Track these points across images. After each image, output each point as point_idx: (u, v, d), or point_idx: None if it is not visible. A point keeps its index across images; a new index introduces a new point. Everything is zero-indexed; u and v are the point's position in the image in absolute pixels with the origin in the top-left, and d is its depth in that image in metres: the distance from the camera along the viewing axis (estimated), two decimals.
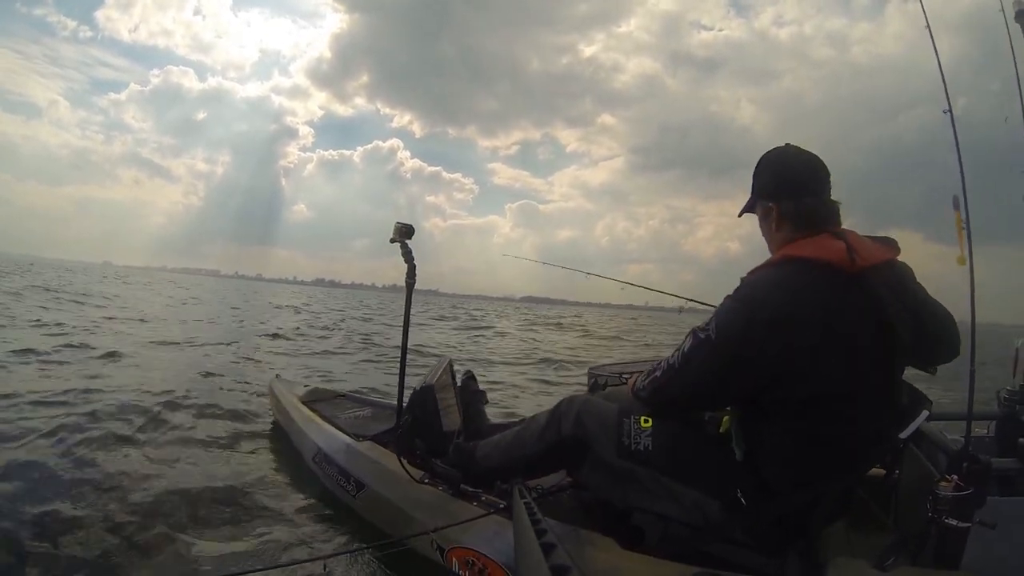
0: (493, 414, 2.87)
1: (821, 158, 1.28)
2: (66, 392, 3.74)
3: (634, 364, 2.18)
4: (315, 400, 2.93)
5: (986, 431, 1.62)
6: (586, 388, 2.12)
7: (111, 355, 5.32)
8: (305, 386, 3.29)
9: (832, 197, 1.27)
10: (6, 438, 2.73)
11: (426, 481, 1.72)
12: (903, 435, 1.21)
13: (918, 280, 1.27)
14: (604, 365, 2.28)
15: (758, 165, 1.35)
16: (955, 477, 1.10)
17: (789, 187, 1.27)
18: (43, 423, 3.01)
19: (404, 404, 1.91)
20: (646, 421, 1.35)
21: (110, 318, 9.12)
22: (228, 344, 7.46)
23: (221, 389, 4.46)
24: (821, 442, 1.17)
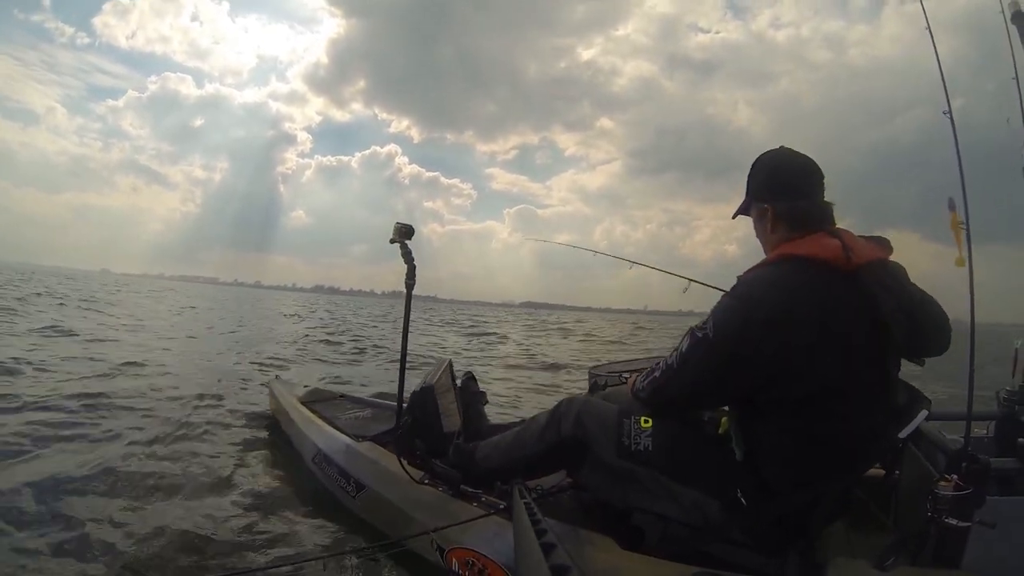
0: (494, 415, 2.88)
1: (817, 160, 1.29)
2: (75, 396, 3.79)
3: (634, 363, 2.18)
4: (315, 401, 2.93)
5: (986, 431, 1.63)
6: (586, 389, 2.13)
7: (130, 364, 5.38)
8: (305, 387, 3.29)
9: (827, 198, 1.28)
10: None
11: (426, 482, 1.72)
12: (902, 435, 1.21)
13: (913, 279, 1.28)
14: (604, 365, 2.29)
15: (753, 167, 1.36)
16: (955, 477, 1.10)
17: (784, 189, 1.28)
18: (58, 425, 3.05)
19: (404, 405, 1.91)
20: (646, 421, 1.35)
21: (127, 329, 9.06)
22: (246, 351, 7.52)
23: (242, 389, 4.52)
24: (819, 441, 1.17)
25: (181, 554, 1.79)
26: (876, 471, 1.39)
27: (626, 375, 1.90)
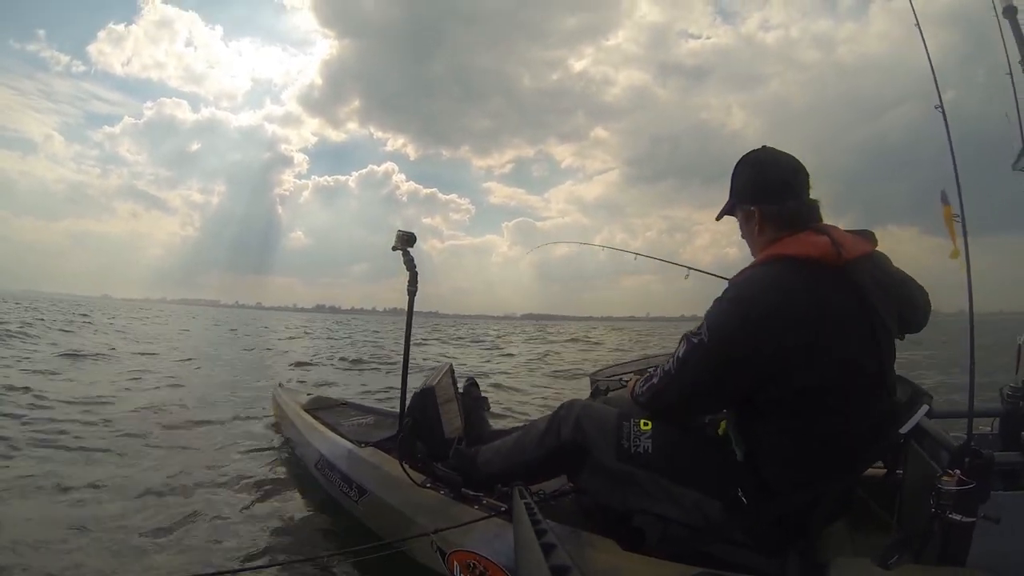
0: (495, 420, 2.88)
1: (811, 159, 1.29)
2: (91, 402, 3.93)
3: (635, 363, 2.17)
4: (318, 408, 2.93)
5: (990, 428, 1.61)
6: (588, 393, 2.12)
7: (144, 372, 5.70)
8: (308, 394, 3.30)
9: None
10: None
11: (428, 485, 1.71)
12: (903, 430, 1.20)
13: (914, 274, 1.28)
14: (605, 368, 2.28)
15: (736, 168, 1.36)
16: (958, 472, 1.09)
17: (770, 191, 1.28)
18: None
19: (406, 408, 1.91)
20: (646, 424, 1.35)
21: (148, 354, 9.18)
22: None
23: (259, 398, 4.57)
24: (819, 440, 1.16)
25: (184, 555, 1.80)
26: (877, 469, 1.38)
27: (626, 378, 1.90)
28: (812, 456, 1.17)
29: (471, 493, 1.63)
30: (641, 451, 1.32)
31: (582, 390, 2.19)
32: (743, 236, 1.36)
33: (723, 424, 1.38)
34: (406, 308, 1.87)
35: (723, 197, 1.39)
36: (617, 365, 2.29)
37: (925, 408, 1.24)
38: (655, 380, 1.32)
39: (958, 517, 1.08)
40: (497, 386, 6.38)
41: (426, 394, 1.88)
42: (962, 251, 1.22)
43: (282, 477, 2.69)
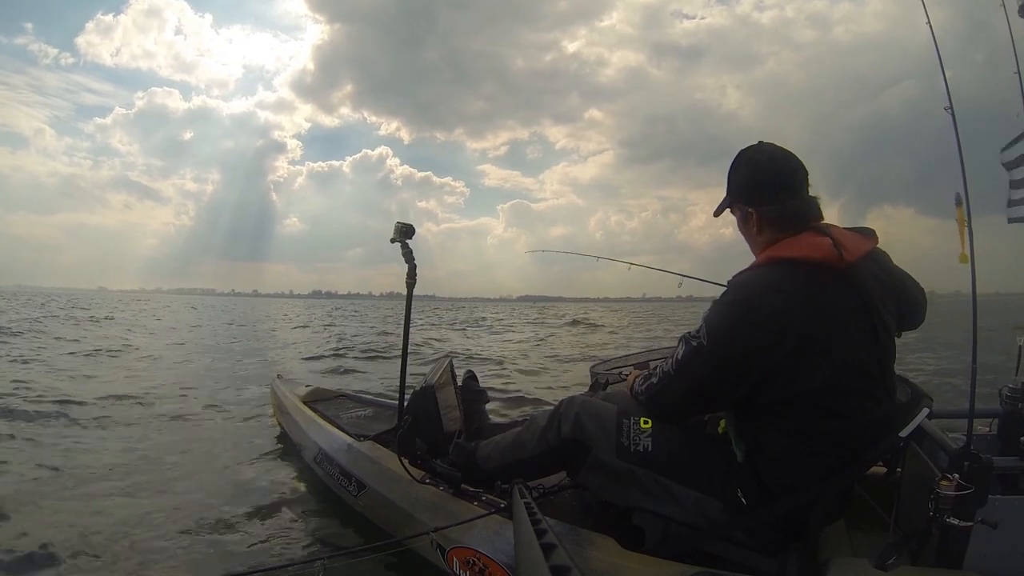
0: (494, 413, 2.88)
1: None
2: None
3: (636, 356, 2.18)
4: (316, 400, 2.93)
5: (988, 429, 1.61)
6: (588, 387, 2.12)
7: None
8: (307, 386, 3.29)
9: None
10: None
11: (427, 481, 1.72)
12: (903, 433, 1.20)
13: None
14: (605, 361, 2.28)
15: (733, 165, 1.33)
16: (956, 476, 1.09)
17: (767, 192, 1.26)
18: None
19: (405, 404, 1.91)
20: (645, 422, 1.35)
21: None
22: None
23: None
24: (819, 441, 1.16)
25: (182, 553, 1.81)
26: (877, 469, 1.38)
27: (627, 372, 1.90)
28: (812, 458, 1.18)
29: (470, 490, 1.63)
30: (641, 449, 1.32)
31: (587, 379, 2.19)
32: (742, 233, 1.34)
33: (723, 423, 1.38)
34: (402, 293, 1.87)
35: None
36: (618, 358, 2.29)
37: (925, 411, 1.24)
38: (654, 380, 1.32)
39: (956, 521, 1.08)
40: (520, 371, 6.45)
41: (426, 392, 1.88)
42: (969, 255, 1.21)
43: (280, 470, 2.70)
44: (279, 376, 3.58)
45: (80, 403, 4.12)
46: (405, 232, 1.85)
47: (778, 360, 1.12)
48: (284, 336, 13.37)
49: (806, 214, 1.24)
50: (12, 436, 3.10)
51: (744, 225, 1.32)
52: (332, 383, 4.91)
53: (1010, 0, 1.55)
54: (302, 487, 2.41)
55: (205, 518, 2.07)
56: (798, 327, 1.10)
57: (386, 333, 12.41)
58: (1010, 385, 1.59)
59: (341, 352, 8.87)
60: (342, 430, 2.32)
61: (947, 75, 1.29)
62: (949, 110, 1.25)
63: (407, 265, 1.86)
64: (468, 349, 9.62)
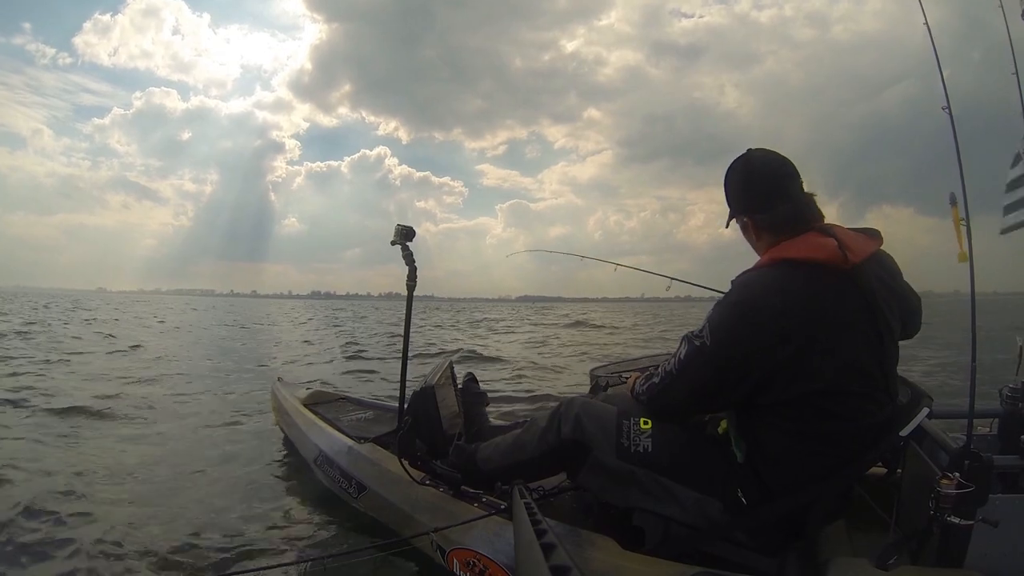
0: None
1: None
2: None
3: (635, 361, 2.18)
4: (316, 403, 2.93)
5: (989, 429, 1.61)
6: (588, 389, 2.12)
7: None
8: (307, 389, 3.29)
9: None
10: None
11: (427, 483, 1.72)
12: (903, 433, 1.20)
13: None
14: (605, 365, 2.28)
15: (725, 179, 1.35)
16: (957, 475, 1.09)
17: (758, 200, 1.27)
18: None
19: (405, 406, 1.91)
20: (645, 423, 1.35)
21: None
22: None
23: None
24: (820, 441, 1.16)
25: (182, 553, 1.81)
26: (877, 469, 1.38)
27: (626, 375, 1.90)
28: (812, 458, 1.18)
29: (471, 491, 1.63)
30: (641, 450, 1.32)
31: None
32: (746, 240, 1.35)
33: (723, 424, 1.38)
34: (401, 294, 1.87)
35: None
36: (619, 362, 2.29)
37: (926, 411, 1.24)
38: (656, 380, 1.33)
39: (956, 520, 1.08)
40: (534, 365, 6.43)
41: (426, 393, 1.88)
42: (968, 254, 1.21)
43: (281, 472, 2.70)
44: (280, 379, 3.58)
45: (81, 406, 4.13)
46: (405, 234, 1.85)
47: (779, 361, 1.12)
48: (292, 336, 13.34)
49: (801, 215, 1.24)
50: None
51: (744, 234, 1.34)
52: (360, 387, 4.91)
53: (1009, 0, 1.56)
54: (302, 489, 2.40)
55: (205, 518, 2.07)
56: (799, 328, 1.11)
57: (397, 335, 12.44)
58: (1010, 385, 1.59)
59: (360, 353, 8.86)
60: (342, 432, 2.32)
61: (945, 74, 1.29)
62: (946, 109, 1.26)
63: (407, 268, 1.86)
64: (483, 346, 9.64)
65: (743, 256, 1.33)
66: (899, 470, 1.43)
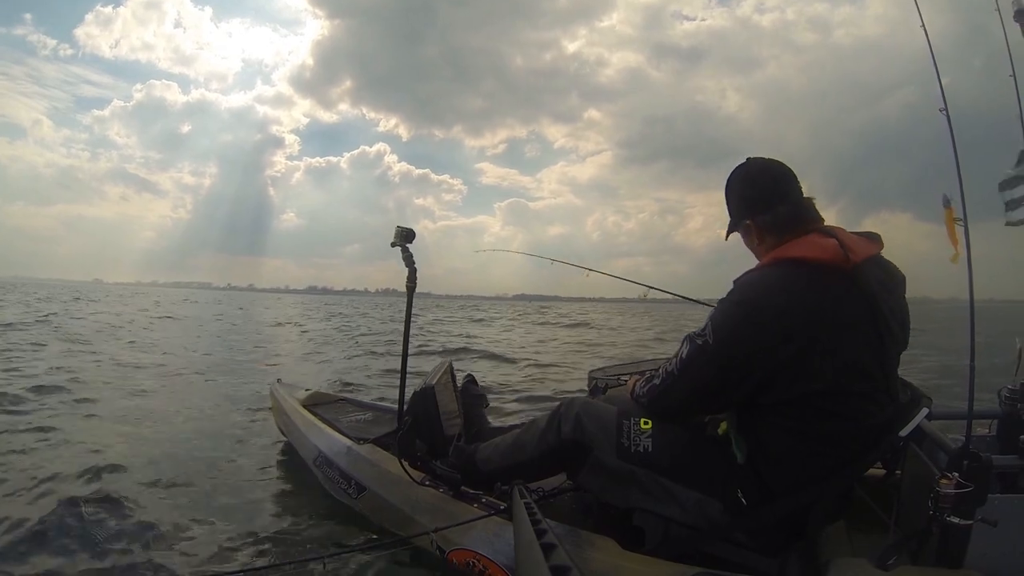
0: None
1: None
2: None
3: (634, 365, 2.18)
4: (316, 404, 2.93)
5: (988, 430, 1.62)
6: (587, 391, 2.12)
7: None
8: (306, 390, 3.29)
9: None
10: None
11: (427, 483, 1.72)
12: (903, 433, 1.21)
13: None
14: (604, 368, 2.29)
15: (726, 188, 1.38)
16: (956, 475, 1.09)
17: (759, 202, 1.30)
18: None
19: (405, 407, 1.91)
20: (646, 423, 1.35)
21: None
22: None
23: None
24: (821, 442, 1.17)
25: (182, 552, 1.80)
26: (877, 470, 1.39)
27: (625, 377, 1.90)
28: (814, 458, 1.18)
29: (470, 492, 1.63)
30: (641, 450, 1.32)
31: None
32: (749, 249, 1.37)
33: (723, 424, 1.38)
34: (399, 289, 1.88)
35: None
36: (617, 365, 2.30)
37: (925, 411, 1.25)
38: (657, 381, 1.33)
39: (956, 520, 1.08)
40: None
41: (426, 393, 1.88)
42: (964, 253, 1.21)
43: (280, 473, 2.69)
44: (279, 380, 3.58)
45: (83, 399, 4.14)
46: (405, 236, 1.85)
47: (781, 360, 1.13)
48: (307, 333, 13.26)
49: (801, 217, 1.26)
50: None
51: (747, 239, 1.35)
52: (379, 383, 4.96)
53: (1005, 4, 1.57)
54: (301, 489, 2.40)
55: (204, 518, 2.07)
56: (802, 328, 1.11)
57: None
58: (1009, 386, 1.59)
59: (375, 352, 8.79)
60: (342, 433, 2.32)
61: (946, 81, 1.31)
62: (944, 111, 1.26)
63: (407, 269, 1.87)
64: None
65: (741, 259, 1.34)
66: (899, 471, 1.43)
